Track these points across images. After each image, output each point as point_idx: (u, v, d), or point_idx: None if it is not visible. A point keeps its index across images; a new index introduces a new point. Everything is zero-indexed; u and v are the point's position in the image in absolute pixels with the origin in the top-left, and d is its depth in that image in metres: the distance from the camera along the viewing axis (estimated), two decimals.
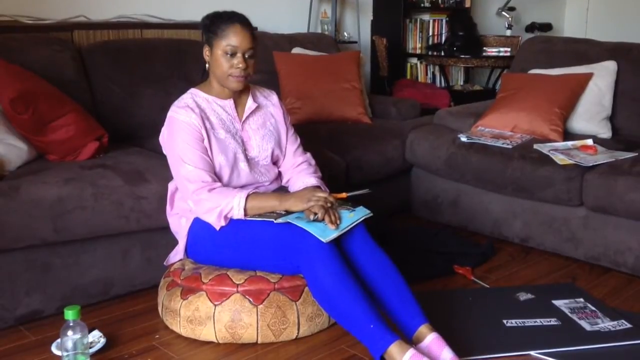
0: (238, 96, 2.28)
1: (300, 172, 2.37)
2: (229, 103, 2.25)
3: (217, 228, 2.13)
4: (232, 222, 2.13)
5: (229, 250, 2.16)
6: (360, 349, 2.05)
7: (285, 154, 2.39)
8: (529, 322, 2.25)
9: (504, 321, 2.26)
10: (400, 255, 2.54)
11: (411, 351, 1.82)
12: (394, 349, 1.82)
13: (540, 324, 2.24)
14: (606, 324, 2.22)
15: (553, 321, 2.26)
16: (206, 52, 2.20)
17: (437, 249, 2.90)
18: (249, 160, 2.25)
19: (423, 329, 1.96)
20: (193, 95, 2.24)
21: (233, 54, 2.14)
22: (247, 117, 2.29)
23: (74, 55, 2.96)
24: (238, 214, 2.09)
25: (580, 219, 2.78)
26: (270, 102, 2.38)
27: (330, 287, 1.93)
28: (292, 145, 2.41)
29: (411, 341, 1.97)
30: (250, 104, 2.29)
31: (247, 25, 2.17)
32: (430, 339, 1.93)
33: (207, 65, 2.22)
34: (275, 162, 2.37)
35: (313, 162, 2.44)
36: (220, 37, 2.14)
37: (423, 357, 1.81)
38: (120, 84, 3.06)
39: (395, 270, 2.07)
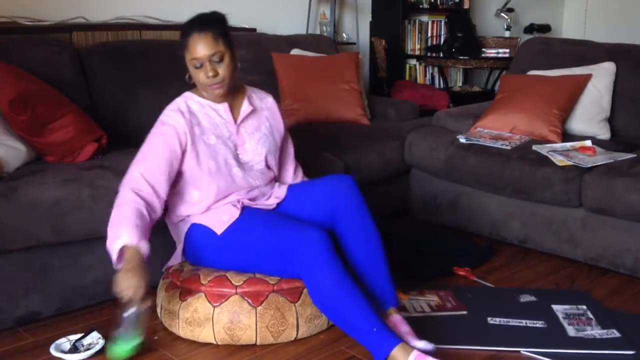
0: (233, 99, 2.24)
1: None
2: (224, 107, 2.21)
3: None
4: (231, 227, 2.12)
5: (228, 255, 2.15)
6: (359, 350, 2.05)
7: (281, 161, 2.37)
8: (513, 322, 2.25)
9: (488, 318, 2.27)
10: (400, 256, 2.54)
11: (415, 353, 1.83)
12: (397, 352, 1.83)
13: (524, 324, 2.24)
14: (593, 332, 2.19)
15: (539, 324, 2.25)
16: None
17: (436, 250, 2.90)
18: (242, 164, 2.21)
19: (392, 310, 2.13)
20: (186, 99, 2.20)
21: (201, 65, 2.08)
22: (243, 120, 2.24)
23: (73, 56, 2.95)
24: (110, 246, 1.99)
25: (579, 220, 2.78)
26: (265, 104, 2.33)
27: (330, 292, 1.93)
28: (287, 152, 2.41)
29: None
30: (245, 107, 2.25)
31: (206, 30, 2.05)
32: (396, 319, 2.09)
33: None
34: (270, 167, 2.31)
35: (299, 171, 2.48)
36: (185, 50, 2.09)
37: (426, 357, 1.82)
38: (119, 85, 3.05)
39: (380, 251, 2.15)
